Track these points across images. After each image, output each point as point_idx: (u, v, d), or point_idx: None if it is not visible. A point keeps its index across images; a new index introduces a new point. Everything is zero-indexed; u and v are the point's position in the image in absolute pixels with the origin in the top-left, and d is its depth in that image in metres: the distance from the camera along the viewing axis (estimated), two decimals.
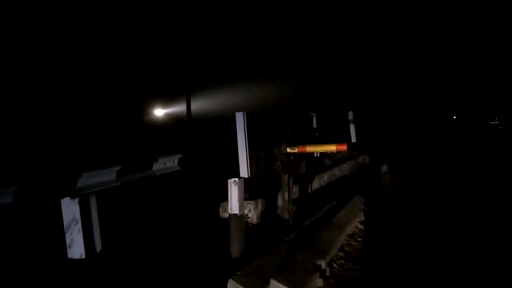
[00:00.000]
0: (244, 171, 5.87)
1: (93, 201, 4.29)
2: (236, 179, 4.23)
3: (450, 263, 3.97)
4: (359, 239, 4.81)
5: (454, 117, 39.09)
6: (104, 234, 4.44)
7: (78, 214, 3.99)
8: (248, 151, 5.65)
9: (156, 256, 4.35)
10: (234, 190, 4.18)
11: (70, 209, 3.99)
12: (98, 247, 4.36)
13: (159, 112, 16.26)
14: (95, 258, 4.23)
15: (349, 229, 4.97)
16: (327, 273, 3.71)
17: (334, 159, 10.12)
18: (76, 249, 4.07)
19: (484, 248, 4.30)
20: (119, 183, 4.42)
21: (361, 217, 5.58)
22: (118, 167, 4.37)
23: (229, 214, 4.25)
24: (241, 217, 4.24)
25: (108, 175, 4.33)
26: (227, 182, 4.23)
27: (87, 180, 4.10)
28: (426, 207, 6.10)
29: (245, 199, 5.30)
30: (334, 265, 4.02)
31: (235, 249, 4.20)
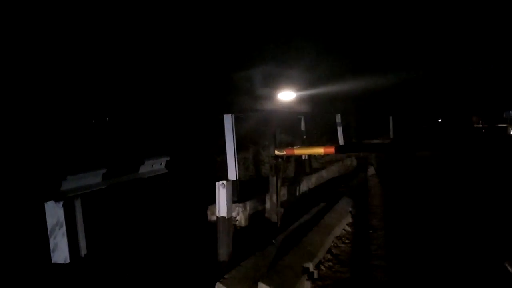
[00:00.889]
0: (232, 174, 5.87)
1: (78, 204, 4.21)
2: (224, 181, 4.21)
3: (436, 264, 4.02)
4: (346, 241, 4.84)
5: (440, 120, 39.87)
6: (89, 238, 4.36)
7: (62, 218, 3.91)
8: (237, 153, 5.65)
9: (142, 259, 4.29)
10: (222, 193, 4.16)
11: (54, 212, 3.91)
12: (83, 251, 4.28)
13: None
14: (79, 262, 4.16)
15: (337, 231, 4.99)
16: (315, 276, 3.72)
17: (322, 162, 10.18)
18: (60, 253, 3.99)
19: (470, 250, 4.37)
20: (104, 186, 4.35)
21: (349, 219, 5.61)
22: (104, 170, 4.31)
23: (217, 217, 4.23)
24: (229, 220, 4.22)
25: (93, 178, 4.26)
26: (215, 185, 4.21)
27: (72, 183, 4.03)
28: (412, 208, 6.17)
29: (234, 201, 5.29)
30: (322, 267, 4.03)
31: (223, 252, 4.18)
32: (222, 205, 4.15)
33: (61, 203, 3.88)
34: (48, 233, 3.95)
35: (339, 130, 11.03)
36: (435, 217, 5.62)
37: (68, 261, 3.99)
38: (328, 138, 10.65)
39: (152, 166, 5.13)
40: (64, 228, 3.92)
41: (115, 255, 4.42)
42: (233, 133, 5.89)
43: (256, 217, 5.85)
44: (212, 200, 4.33)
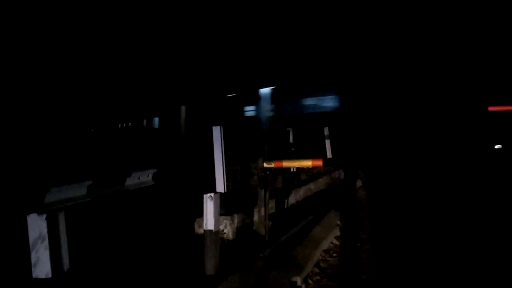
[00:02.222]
0: (220, 186, 5.83)
1: (62, 217, 4.12)
2: (212, 194, 4.18)
3: (423, 278, 4.04)
4: (334, 254, 4.83)
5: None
6: (73, 251, 4.25)
7: (45, 231, 3.80)
8: (225, 165, 5.61)
9: (127, 274, 4.20)
10: (209, 206, 4.12)
11: (36, 225, 3.81)
12: (66, 265, 4.16)
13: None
14: (62, 277, 4.04)
15: (325, 245, 4.98)
16: None
17: (310, 174, 10.20)
18: (42, 268, 3.87)
19: (458, 264, 4.41)
20: (90, 199, 4.27)
21: (337, 232, 5.62)
22: (89, 182, 4.23)
23: (204, 230, 4.18)
24: (216, 233, 4.18)
25: (78, 190, 4.18)
26: (203, 197, 4.17)
27: (56, 195, 3.94)
28: (400, 221, 6.21)
29: (221, 214, 5.24)
30: (310, 281, 4.01)
31: (210, 266, 4.12)
32: (209, 218, 4.11)
33: (44, 216, 3.79)
34: (30, 246, 3.84)
35: (327, 143, 11.11)
36: (421, 230, 5.67)
37: (50, 275, 3.87)
38: (316, 150, 10.69)
39: (139, 178, 5.07)
40: (46, 242, 3.81)
41: (100, 269, 4.32)
42: (221, 145, 5.87)
43: (244, 230, 5.81)
44: (200, 212, 4.29)
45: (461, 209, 6.77)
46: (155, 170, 5.36)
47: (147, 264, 4.48)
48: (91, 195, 4.32)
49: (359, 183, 9.49)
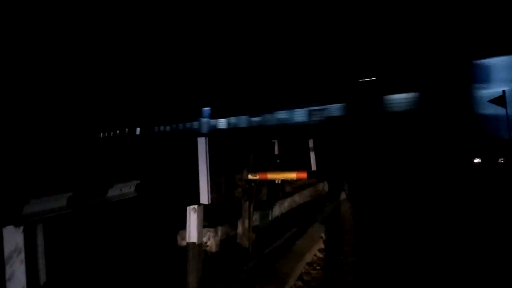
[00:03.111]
0: (204, 198, 5.76)
1: (40, 229, 4.00)
2: (196, 206, 4.14)
3: None
4: (317, 267, 4.83)
5: None
6: (50, 265, 4.12)
7: (21, 244, 3.68)
8: (210, 177, 5.57)
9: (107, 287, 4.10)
10: (193, 218, 4.08)
11: (13, 238, 3.68)
12: (42, 279, 4.03)
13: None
14: None
15: (308, 258, 4.98)
16: None
17: (295, 186, 10.23)
18: (17, 282, 3.73)
19: (439, 274, 4.47)
20: (70, 210, 4.17)
21: (321, 244, 5.63)
22: (70, 193, 4.13)
23: (187, 242, 4.12)
24: (199, 246, 4.13)
25: (58, 202, 4.07)
26: (186, 209, 4.13)
27: (34, 206, 3.83)
28: (383, 233, 6.27)
29: (205, 226, 5.19)
30: None
31: (192, 280, 4.05)
32: (192, 230, 4.06)
33: (21, 228, 3.67)
34: (5, 260, 3.70)
35: (312, 155, 11.18)
36: (405, 242, 5.73)
37: None
38: (301, 162, 10.75)
39: (121, 190, 4.98)
40: (22, 255, 3.69)
41: (78, 283, 4.20)
42: (206, 156, 5.83)
43: (227, 243, 5.76)
44: (183, 224, 4.23)
45: (441, 220, 6.89)
46: (138, 182, 5.28)
47: (128, 278, 4.38)
48: (72, 207, 4.21)
49: (343, 195, 9.56)
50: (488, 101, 11.46)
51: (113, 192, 4.87)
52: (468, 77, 15.65)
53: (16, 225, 3.66)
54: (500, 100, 10.57)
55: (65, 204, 4.13)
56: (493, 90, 13.26)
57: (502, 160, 10.50)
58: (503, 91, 10.69)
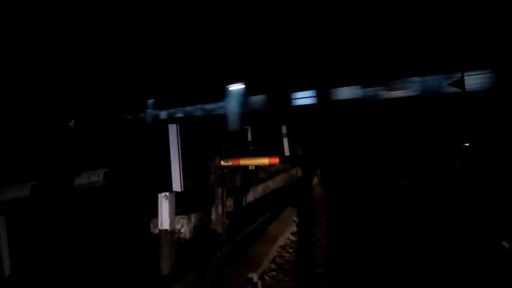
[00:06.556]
0: (177, 185, 5.70)
1: (2, 220, 3.83)
2: (167, 193, 4.09)
3: (375, 271, 4.22)
4: (290, 250, 4.91)
5: None
6: (14, 256, 3.97)
7: None
8: (182, 164, 5.49)
9: (77, 277, 4.00)
10: (164, 205, 4.03)
11: None
12: (7, 271, 3.88)
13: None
14: (2, 284, 3.76)
15: (281, 241, 5.05)
16: (259, 286, 3.72)
17: (268, 172, 10.30)
18: None
19: (407, 257, 4.66)
20: (34, 200, 4.01)
21: (293, 228, 5.72)
22: (33, 183, 3.97)
23: (159, 229, 4.07)
24: (172, 233, 4.09)
25: (21, 191, 3.90)
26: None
27: None
28: (354, 216, 6.45)
29: (178, 213, 5.14)
30: (266, 277, 4.05)
31: (165, 266, 4.03)
32: (164, 218, 4.02)
33: None
34: None
35: (285, 141, 11.25)
36: (374, 223, 5.93)
37: None
38: (275, 149, 10.80)
39: (89, 178, 4.84)
40: None
41: (46, 274, 4.07)
42: (178, 143, 5.74)
43: (201, 229, 5.75)
44: (156, 212, 4.17)
45: (412, 206, 7.17)
46: (107, 169, 5.14)
47: (99, 267, 4.30)
48: (36, 196, 4.04)
49: (315, 180, 9.73)
50: (448, 84, 11.84)
51: (80, 181, 4.73)
52: None
53: None
54: (459, 83, 10.93)
55: (28, 194, 3.97)
56: None
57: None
58: (462, 73, 11.06)
